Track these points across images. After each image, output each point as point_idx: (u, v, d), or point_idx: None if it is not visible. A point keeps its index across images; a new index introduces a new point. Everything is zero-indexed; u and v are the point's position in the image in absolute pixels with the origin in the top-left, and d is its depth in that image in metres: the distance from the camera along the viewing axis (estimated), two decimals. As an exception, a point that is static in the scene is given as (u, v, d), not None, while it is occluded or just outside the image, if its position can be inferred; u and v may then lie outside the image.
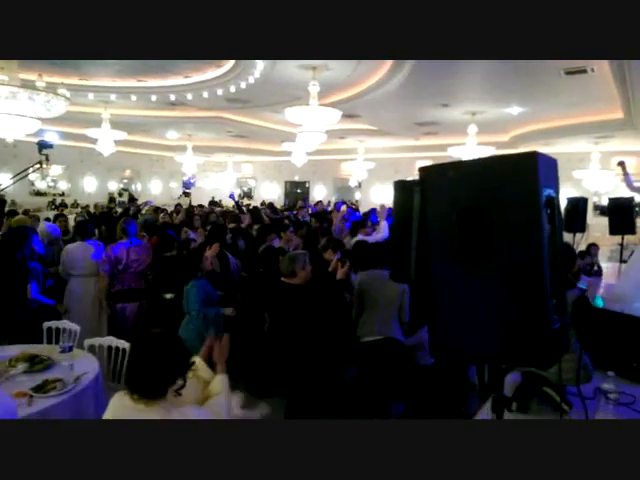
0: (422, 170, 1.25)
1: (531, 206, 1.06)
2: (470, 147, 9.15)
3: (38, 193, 14.64)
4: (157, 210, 8.12)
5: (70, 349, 2.82)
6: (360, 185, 16.45)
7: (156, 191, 17.81)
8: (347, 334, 3.22)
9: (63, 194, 15.17)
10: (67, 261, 4.14)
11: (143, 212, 8.14)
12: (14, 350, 2.78)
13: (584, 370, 2.02)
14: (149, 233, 4.87)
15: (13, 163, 11.78)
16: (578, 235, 4.98)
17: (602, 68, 6.00)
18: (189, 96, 8.66)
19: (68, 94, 6.54)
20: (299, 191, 18.88)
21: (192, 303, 3.33)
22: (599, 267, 5.94)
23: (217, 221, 6.53)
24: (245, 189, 20.09)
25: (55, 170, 14.81)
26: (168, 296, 3.73)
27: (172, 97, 8.83)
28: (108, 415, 1.65)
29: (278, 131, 12.20)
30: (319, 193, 17.74)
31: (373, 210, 8.49)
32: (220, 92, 8.20)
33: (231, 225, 5.87)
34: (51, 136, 5.46)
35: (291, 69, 6.91)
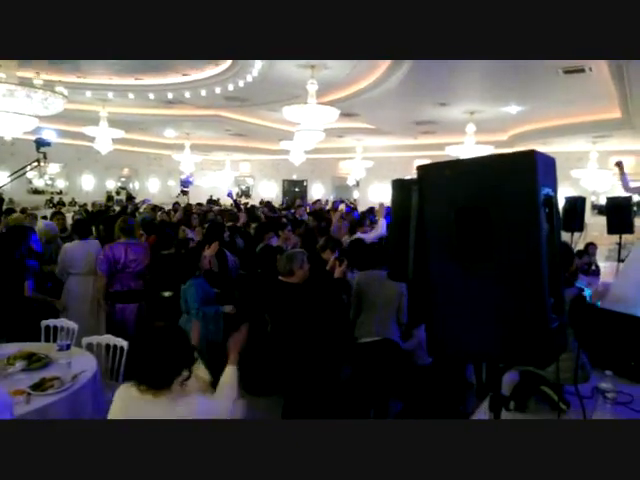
0: (420, 169, 1.25)
1: (529, 205, 1.06)
2: (468, 146, 9.15)
3: (36, 191, 14.60)
4: (155, 208, 8.10)
5: (68, 347, 2.81)
6: (358, 184, 16.45)
7: (154, 189, 17.78)
8: (345, 333, 3.22)
9: (61, 192, 15.13)
10: (66, 260, 4.12)
11: (141, 210, 8.11)
12: (12, 348, 2.77)
13: (582, 369, 2.03)
14: (147, 232, 4.86)
15: (11, 161, 11.74)
16: (576, 234, 4.98)
17: (600, 67, 6.01)
18: (187, 94, 8.64)
19: (66, 92, 6.52)
20: (297, 190, 18.87)
21: (191, 302, 3.35)
22: (597, 266, 5.95)
23: (215, 219, 6.52)
24: (243, 188, 20.07)
25: (53, 168, 14.78)
26: (166, 294, 3.73)
27: (170, 95, 8.81)
28: (115, 407, 1.67)
29: (276, 130, 12.19)
30: (317, 192, 17.73)
31: (371, 209, 8.50)
32: (218, 90, 8.19)
33: (229, 223, 5.87)
34: (49, 134, 5.44)
35: (289, 68, 6.90)
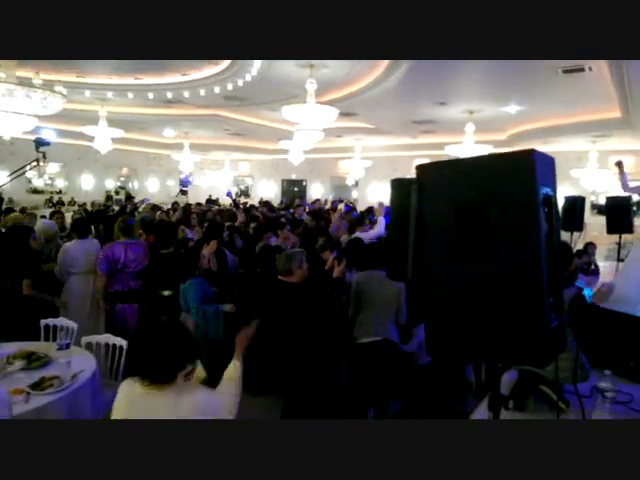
0: (419, 168, 1.25)
1: (529, 204, 1.06)
2: (468, 146, 9.15)
3: (35, 191, 14.59)
4: (154, 208, 8.08)
5: (67, 346, 2.81)
6: (357, 183, 16.45)
7: (153, 189, 17.77)
8: (343, 333, 3.22)
9: (60, 192, 15.12)
10: (66, 259, 4.11)
11: (140, 210, 8.10)
12: (11, 347, 2.77)
13: (581, 369, 2.03)
14: (146, 231, 4.85)
15: (10, 161, 11.73)
16: (576, 234, 4.99)
17: (600, 67, 6.01)
18: (186, 94, 8.63)
19: (65, 91, 6.51)
20: (296, 189, 18.86)
21: (191, 301, 3.36)
22: (596, 266, 5.96)
23: (214, 219, 6.52)
24: (242, 187, 20.07)
25: (52, 168, 14.77)
26: (166, 293, 3.73)
27: (169, 95, 8.80)
28: (119, 402, 1.68)
29: (275, 129, 12.19)
30: (316, 191, 17.73)
31: (370, 208, 8.49)
32: (217, 90, 8.18)
33: (228, 223, 5.87)
34: (48, 134, 5.43)
35: (288, 67, 6.90)
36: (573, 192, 8.48)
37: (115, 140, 10.47)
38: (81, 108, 9.85)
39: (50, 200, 13.92)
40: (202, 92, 8.36)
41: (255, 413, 3.11)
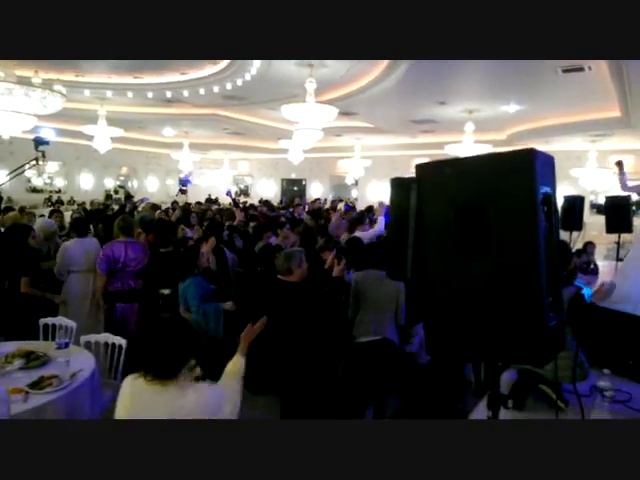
0: (419, 167, 1.24)
1: (528, 203, 1.06)
2: (467, 145, 9.16)
3: (34, 190, 14.58)
4: (154, 207, 8.07)
5: (66, 345, 2.81)
6: (357, 183, 16.44)
7: (152, 188, 17.75)
8: (342, 332, 3.22)
9: (59, 191, 15.11)
10: (66, 258, 4.11)
11: (139, 209, 8.10)
12: (10, 346, 2.77)
13: (580, 368, 2.03)
14: (146, 231, 4.85)
15: (9, 160, 11.71)
16: (575, 233, 4.98)
17: (599, 66, 6.01)
18: (185, 93, 8.62)
19: (64, 90, 6.50)
20: (296, 189, 18.86)
21: (191, 300, 3.36)
22: (595, 265, 5.96)
23: (214, 218, 6.52)
24: (242, 186, 20.06)
25: (51, 167, 14.76)
26: (165, 292, 3.73)
27: (168, 94, 8.79)
28: (124, 398, 1.68)
29: (275, 128, 12.18)
30: (316, 191, 17.73)
31: (370, 208, 8.49)
32: (216, 89, 8.17)
33: (228, 223, 5.87)
34: (47, 133, 5.42)
35: (288, 67, 6.89)
36: (572, 191, 8.48)
37: (114, 139, 10.45)
38: (80, 107, 9.83)
39: (49, 199, 13.90)
40: (201, 91, 8.35)
41: (255, 412, 3.12)
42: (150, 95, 8.80)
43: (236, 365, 1.94)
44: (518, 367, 2.10)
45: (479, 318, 1.13)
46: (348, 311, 3.28)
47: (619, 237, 5.75)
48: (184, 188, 18.53)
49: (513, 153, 1.12)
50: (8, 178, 6.65)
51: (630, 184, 4.54)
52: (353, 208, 10.27)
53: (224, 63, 7.24)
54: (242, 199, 15.36)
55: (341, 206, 11.00)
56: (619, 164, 4.42)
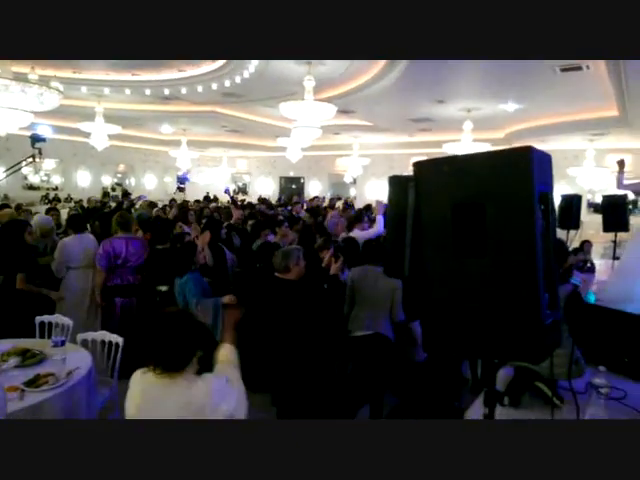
0: (417, 165, 1.25)
1: (525, 201, 1.06)
2: (465, 143, 9.16)
3: (31, 187, 14.53)
4: (151, 205, 8.06)
5: (63, 343, 2.80)
6: (355, 181, 16.44)
7: (150, 186, 17.70)
8: (339, 330, 3.23)
9: (56, 188, 15.05)
10: (64, 254, 4.11)
11: (137, 207, 8.08)
12: (6, 344, 2.75)
13: (576, 365, 2.04)
14: (144, 229, 4.85)
15: (6, 157, 11.65)
16: (572, 232, 5.00)
17: (597, 65, 6.02)
18: (183, 90, 8.59)
19: (61, 87, 6.47)
20: (294, 187, 18.85)
21: (189, 296, 3.35)
22: (592, 264, 5.98)
23: (212, 216, 6.51)
24: (240, 184, 20.02)
25: (48, 164, 14.70)
26: (163, 288, 3.73)
27: (166, 91, 8.76)
28: (134, 393, 1.69)
29: (273, 126, 12.16)
30: (314, 189, 17.72)
31: (368, 206, 8.49)
32: (215, 86, 8.15)
33: (226, 222, 5.86)
34: (44, 130, 5.40)
35: (286, 64, 6.88)
36: (570, 190, 8.52)
37: (112, 136, 10.42)
38: (78, 104, 9.79)
39: (46, 197, 13.85)
40: (199, 89, 8.32)
41: (254, 410, 3.11)
42: (148, 92, 8.77)
43: (228, 356, 1.93)
44: (515, 364, 2.10)
45: (476, 315, 1.13)
46: (344, 308, 3.29)
47: (616, 236, 5.78)
48: (182, 186, 18.52)
49: (510, 151, 1.12)
50: (4, 175, 6.62)
51: (626, 182, 4.56)
52: (351, 206, 10.28)
53: (222, 61, 7.22)
54: (240, 197, 15.33)
55: (339, 204, 11.01)
56: (621, 163, 4.43)
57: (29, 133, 4.92)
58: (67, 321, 3.27)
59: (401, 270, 1.40)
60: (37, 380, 2.29)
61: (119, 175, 17.49)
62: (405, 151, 14.39)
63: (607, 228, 5.68)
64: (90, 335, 3.12)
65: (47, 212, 6.23)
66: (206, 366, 1.79)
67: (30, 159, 4.85)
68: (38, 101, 5.96)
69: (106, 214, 6.01)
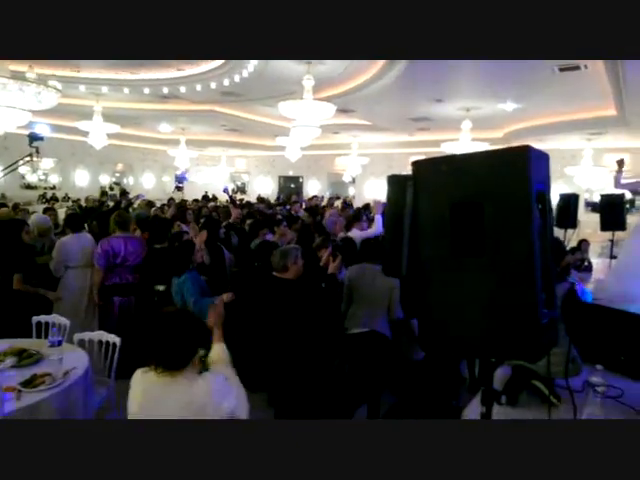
0: (415, 164, 1.24)
1: (522, 200, 1.06)
2: (464, 143, 9.17)
3: (29, 186, 14.49)
4: (149, 204, 8.04)
5: (59, 343, 2.80)
6: (354, 180, 16.44)
7: (149, 185, 17.67)
8: (337, 329, 3.23)
9: (54, 187, 15.02)
10: (62, 253, 4.10)
11: (135, 206, 8.06)
12: (2, 344, 2.74)
13: (573, 363, 2.04)
14: (142, 228, 4.84)
15: (3, 155, 11.61)
16: (569, 231, 5.02)
17: (595, 65, 6.03)
18: (182, 89, 8.57)
19: (59, 86, 6.47)
20: (293, 186, 18.84)
21: (188, 296, 3.35)
22: (589, 263, 6.01)
23: (211, 215, 6.51)
24: (239, 184, 20.00)
25: (46, 163, 14.66)
26: (161, 288, 3.72)
27: (165, 90, 8.74)
28: (136, 393, 1.70)
29: (272, 125, 12.15)
30: (313, 188, 17.71)
31: (367, 205, 8.49)
32: (214, 85, 8.13)
33: (225, 222, 5.85)
34: (42, 128, 5.39)
35: (285, 64, 6.87)
36: (568, 190, 8.53)
37: (110, 135, 10.39)
38: (76, 103, 9.76)
39: (43, 196, 13.81)
40: (198, 87, 8.31)
41: (252, 410, 3.11)
42: (147, 91, 8.75)
43: (221, 355, 1.94)
44: (512, 363, 2.11)
45: (473, 314, 1.13)
46: (342, 306, 3.30)
47: (613, 235, 5.80)
48: (180, 185, 18.48)
49: (508, 150, 1.12)
50: (2, 174, 6.60)
51: (623, 182, 4.57)
52: (350, 205, 10.28)
53: (221, 60, 7.20)
54: (239, 196, 15.31)
55: (338, 203, 11.01)
56: (620, 162, 4.44)
57: (27, 132, 4.90)
58: (64, 321, 3.26)
59: (399, 269, 1.40)
60: (34, 380, 2.29)
61: (117, 174, 17.46)
62: (404, 150, 14.39)
63: (604, 227, 5.70)
64: (87, 335, 3.12)
65: (44, 212, 6.22)
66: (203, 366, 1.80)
67: (28, 158, 4.84)
68: (36, 100, 5.95)
69: (104, 213, 6.00)
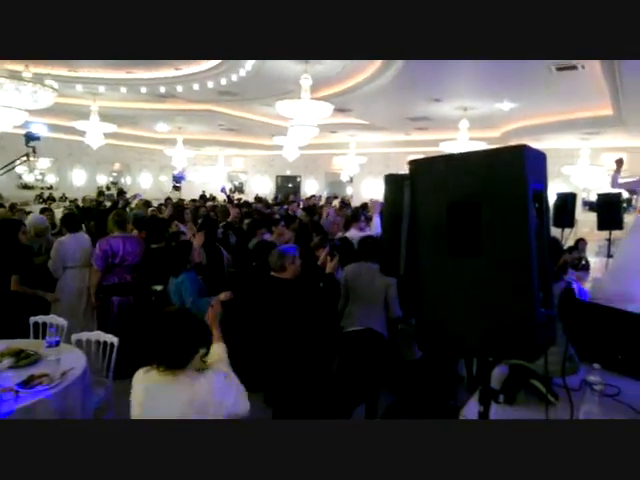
0: (412, 163, 1.24)
1: (519, 200, 1.06)
2: (462, 142, 9.18)
3: (25, 186, 14.45)
4: (146, 204, 8.03)
5: (57, 344, 2.78)
6: (352, 180, 16.45)
7: (146, 185, 17.64)
8: (335, 329, 3.24)
9: (51, 187, 14.97)
10: (61, 253, 4.08)
11: (132, 205, 8.04)
12: (0, 345, 2.74)
13: (570, 362, 2.05)
14: (139, 228, 4.83)
15: (0, 155, 11.57)
16: (567, 230, 5.03)
17: (592, 65, 6.05)
18: (179, 88, 8.56)
19: (56, 85, 6.44)
20: (291, 185, 18.83)
21: (186, 296, 3.35)
22: (587, 262, 6.02)
23: (208, 215, 6.50)
24: (236, 183, 19.98)
25: (43, 163, 14.61)
26: (158, 288, 3.71)
27: (162, 89, 8.72)
28: (138, 392, 1.71)
29: (270, 125, 12.14)
30: (311, 187, 17.71)
31: (365, 204, 8.49)
32: (211, 85, 8.12)
33: (222, 222, 5.85)
34: (38, 128, 5.37)
35: (283, 63, 6.86)
36: (565, 189, 8.55)
37: (107, 135, 10.36)
38: (72, 102, 9.74)
39: (40, 196, 13.77)
40: (195, 87, 8.29)
41: (251, 409, 3.11)
42: (143, 90, 8.73)
43: (220, 354, 1.96)
44: (510, 362, 2.11)
45: (470, 314, 1.14)
46: (339, 304, 3.30)
47: (610, 234, 5.82)
48: (178, 185, 18.45)
49: (505, 149, 1.12)
50: (-1, 174, 6.56)
51: (620, 181, 4.58)
52: (348, 205, 10.28)
53: (218, 60, 7.18)
54: (237, 196, 15.30)
55: (336, 202, 11.02)
56: (619, 162, 4.45)
57: (23, 131, 4.87)
58: (61, 321, 3.25)
59: (397, 268, 1.40)
60: (31, 381, 2.28)
61: (114, 174, 17.42)
62: (402, 150, 14.40)
63: (601, 226, 5.72)
64: (85, 335, 3.11)
65: (41, 212, 6.20)
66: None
67: (24, 158, 4.81)
68: (32, 99, 5.93)
69: (101, 213, 5.98)
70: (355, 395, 3.19)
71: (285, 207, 9.14)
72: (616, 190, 5.31)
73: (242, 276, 4.17)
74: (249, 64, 7.03)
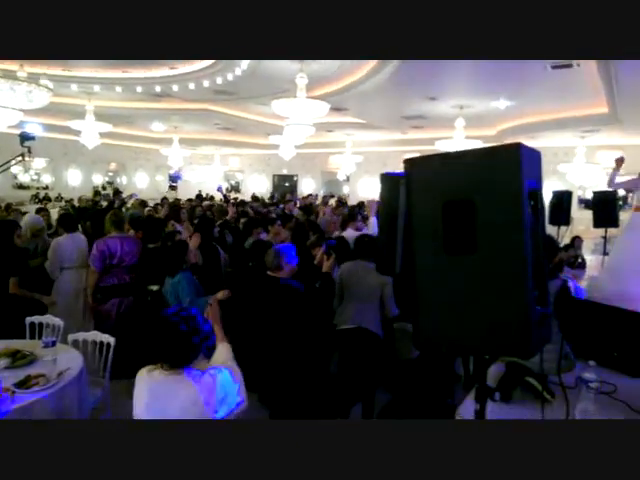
0: (408, 162, 1.24)
1: (514, 198, 1.07)
2: (458, 141, 9.19)
3: (21, 186, 14.36)
4: (143, 203, 8.00)
5: (53, 344, 2.78)
6: (348, 179, 16.45)
7: (142, 184, 17.56)
8: (332, 328, 3.24)
9: (47, 187, 14.89)
10: (58, 254, 4.06)
11: (129, 205, 8.01)
12: (-4, 346, 2.73)
13: (566, 360, 2.06)
14: (135, 228, 4.81)
15: (-6, 155, 11.50)
16: (563, 228, 5.06)
17: (588, 63, 6.07)
18: (175, 87, 8.53)
19: (51, 85, 6.40)
20: (287, 184, 18.81)
21: (183, 296, 3.34)
22: (583, 259, 6.05)
23: (205, 215, 6.49)
24: (233, 182, 19.94)
25: (38, 163, 14.53)
26: (154, 288, 3.70)
27: (157, 88, 8.68)
28: (141, 391, 1.72)
29: (266, 124, 12.11)
30: (307, 186, 17.70)
31: (361, 203, 8.49)
32: (207, 84, 8.09)
33: (220, 221, 5.84)
34: (33, 128, 5.34)
35: (279, 62, 6.84)
36: (561, 187, 8.56)
37: (103, 135, 10.32)
38: (68, 102, 9.68)
39: (36, 196, 13.70)
40: (191, 86, 8.26)
41: (252, 409, 3.11)
42: (139, 90, 8.69)
43: (226, 354, 1.96)
44: (506, 360, 2.12)
45: (466, 312, 1.14)
46: (334, 302, 3.30)
47: (606, 232, 5.85)
48: (174, 184, 18.40)
49: (500, 148, 1.12)
50: (-7, 174, 6.53)
51: (617, 181, 4.60)
52: (344, 204, 10.28)
53: (214, 59, 7.16)
54: (233, 195, 15.27)
55: (332, 201, 11.02)
56: (619, 161, 4.46)
57: (18, 131, 4.84)
58: (58, 322, 3.23)
59: (393, 267, 1.40)
60: (28, 381, 2.27)
61: (110, 174, 17.34)
62: (398, 148, 14.41)
63: (597, 224, 5.74)
64: (81, 335, 3.10)
65: (37, 212, 6.17)
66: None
67: (19, 158, 4.78)
68: (27, 99, 5.90)
69: (98, 213, 5.96)
70: (350, 394, 3.19)
71: (282, 206, 9.14)
72: (610, 188, 5.33)
73: (239, 276, 4.16)
74: (245, 63, 7.01)
